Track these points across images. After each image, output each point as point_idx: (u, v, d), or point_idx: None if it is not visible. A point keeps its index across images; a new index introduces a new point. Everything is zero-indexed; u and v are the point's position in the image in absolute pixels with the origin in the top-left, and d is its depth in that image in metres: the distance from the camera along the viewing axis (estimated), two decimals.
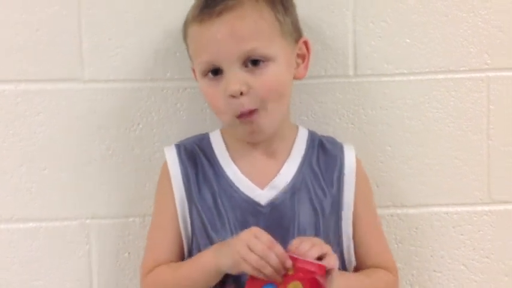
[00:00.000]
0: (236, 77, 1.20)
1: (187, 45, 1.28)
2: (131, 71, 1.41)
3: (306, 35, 1.36)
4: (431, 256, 1.45)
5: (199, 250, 1.25)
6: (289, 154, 1.29)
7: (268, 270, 1.12)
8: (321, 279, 1.13)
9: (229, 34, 1.19)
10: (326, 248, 1.15)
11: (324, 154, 1.30)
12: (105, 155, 1.42)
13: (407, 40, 1.42)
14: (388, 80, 1.43)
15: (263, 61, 1.21)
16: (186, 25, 1.27)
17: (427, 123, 1.43)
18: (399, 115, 1.43)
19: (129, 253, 1.43)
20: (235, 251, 1.14)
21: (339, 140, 1.35)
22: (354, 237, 1.30)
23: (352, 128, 1.43)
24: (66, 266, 1.42)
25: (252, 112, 1.21)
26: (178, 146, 1.31)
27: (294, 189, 1.26)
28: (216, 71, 1.22)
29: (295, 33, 1.27)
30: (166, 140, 1.41)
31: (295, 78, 1.28)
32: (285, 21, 1.24)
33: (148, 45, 1.41)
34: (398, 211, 1.45)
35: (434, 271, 1.46)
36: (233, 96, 1.20)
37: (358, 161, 1.31)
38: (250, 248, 1.13)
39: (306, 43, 1.29)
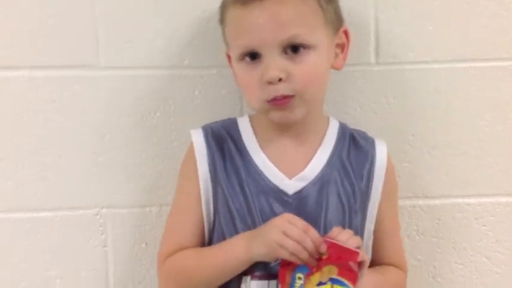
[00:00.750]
0: (276, 63, 1.18)
1: (223, 29, 1.26)
2: (148, 58, 1.39)
3: None
4: (453, 248, 1.44)
5: (223, 235, 1.23)
6: (319, 145, 1.27)
7: (304, 255, 1.13)
8: (354, 266, 1.13)
9: (271, 19, 1.17)
10: (360, 242, 1.16)
11: (355, 148, 1.29)
12: (121, 143, 1.41)
13: (430, 27, 1.40)
14: (410, 68, 1.41)
15: (304, 48, 1.19)
16: (223, 8, 1.25)
17: (450, 112, 1.41)
18: (421, 104, 1.41)
19: (146, 243, 1.41)
20: (271, 239, 1.14)
21: (359, 128, 1.33)
22: (374, 233, 1.29)
23: (374, 116, 1.42)
24: (82, 255, 1.41)
25: (286, 98, 1.19)
26: (205, 129, 1.28)
27: (322, 181, 1.24)
28: (254, 56, 1.20)
29: (336, 21, 1.25)
30: (183, 128, 1.39)
31: (333, 68, 1.26)
32: (328, 9, 1.22)
33: (166, 33, 1.39)
34: (421, 202, 1.43)
35: (456, 263, 1.44)
36: (270, 83, 1.18)
37: (389, 158, 1.30)
38: (286, 234, 1.13)
39: (346, 32, 1.26)
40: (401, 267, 1.32)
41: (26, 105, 1.39)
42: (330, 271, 1.14)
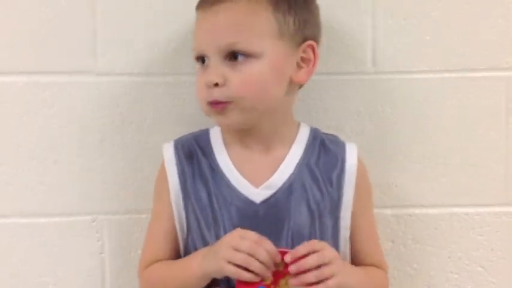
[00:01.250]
0: (214, 68, 1.20)
1: None
2: (144, 64, 1.40)
3: (324, 31, 1.32)
4: (449, 257, 1.44)
5: (195, 247, 1.24)
6: (287, 153, 1.27)
7: (256, 266, 1.12)
8: None
9: (213, 26, 1.20)
10: (327, 255, 1.14)
11: (324, 154, 1.28)
12: (118, 149, 1.41)
13: (427, 37, 1.41)
14: (407, 78, 1.41)
15: (245, 56, 1.19)
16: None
17: (446, 122, 1.42)
18: (418, 112, 1.41)
19: (141, 250, 1.40)
20: (220, 256, 1.14)
21: (355, 137, 1.34)
22: (350, 238, 1.28)
23: (370, 125, 1.42)
24: (78, 262, 1.41)
25: (223, 104, 1.20)
26: (177, 143, 1.29)
27: (290, 189, 1.24)
28: (203, 60, 1.23)
29: (299, 34, 1.23)
30: (179, 135, 1.37)
31: (292, 82, 1.24)
32: (286, 21, 1.21)
33: (162, 39, 1.39)
34: (417, 211, 1.43)
35: (451, 272, 1.44)
36: (209, 86, 1.20)
37: (359, 160, 1.29)
38: (236, 249, 1.13)
39: (312, 47, 1.24)
40: (382, 267, 1.31)
41: (24, 110, 1.39)
42: (287, 284, 1.13)
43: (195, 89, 1.36)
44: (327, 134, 1.32)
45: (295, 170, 1.25)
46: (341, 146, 1.29)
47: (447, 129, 1.42)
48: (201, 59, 1.23)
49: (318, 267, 1.13)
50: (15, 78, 1.38)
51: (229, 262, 1.13)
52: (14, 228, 1.40)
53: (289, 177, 1.24)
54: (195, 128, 1.36)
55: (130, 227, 1.41)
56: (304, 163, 1.26)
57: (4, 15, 1.37)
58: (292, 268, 1.12)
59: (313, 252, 1.13)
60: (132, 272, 1.40)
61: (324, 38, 1.37)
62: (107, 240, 1.41)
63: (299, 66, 1.24)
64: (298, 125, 1.31)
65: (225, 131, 1.29)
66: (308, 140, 1.28)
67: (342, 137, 1.32)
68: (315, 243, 1.15)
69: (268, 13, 1.20)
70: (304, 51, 1.23)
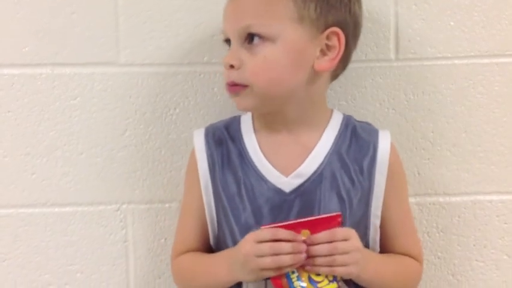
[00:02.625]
0: (234, 51, 1.21)
1: None
2: (167, 54, 1.40)
3: None
4: (474, 245, 1.43)
5: (224, 238, 1.25)
6: (318, 141, 1.26)
7: (287, 260, 1.12)
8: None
9: (234, 9, 1.22)
10: (342, 246, 1.14)
11: (356, 142, 1.26)
12: (142, 139, 1.41)
13: (451, 23, 1.39)
14: (430, 64, 1.39)
15: (261, 39, 1.19)
16: None
17: (471, 108, 1.40)
18: (442, 100, 1.40)
19: (165, 239, 1.42)
20: (250, 268, 1.14)
21: (378, 125, 1.32)
22: (381, 228, 1.27)
23: (393, 113, 1.40)
24: (102, 250, 1.43)
25: (239, 87, 1.21)
26: (207, 130, 1.30)
27: (320, 178, 1.23)
28: (229, 42, 1.24)
29: (320, 20, 1.20)
30: (203, 124, 1.38)
31: (315, 69, 1.21)
32: (306, 6, 1.19)
33: (185, 29, 1.39)
34: (441, 199, 1.42)
35: (476, 260, 1.43)
36: (226, 68, 1.22)
37: (393, 148, 1.27)
38: (260, 255, 1.13)
39: (337, 34, 1.21)
40: (416, 258, 1.29)
41: (48, 101, 1.40)
42: None
43: (219, 78, 1.38)
44: (360, 121, 1.30)
45: (325, 158, 1.24)
46: (374, 134, 1.27)
47: (472, 116, 1.40)
48: (227, 41, 1.24)
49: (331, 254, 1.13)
50: (40, 70, 1.39)
51: (263, 269, 1.13)
52: (39, 218, 1.42)
53: (320, 166, 1.24)
54: (218, 118, 1.37)
55: (153, 216, 1.42)
56: (335, 151, 1.25)
57: (28, 9, 1.38)
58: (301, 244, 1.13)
59: (332, 241, 1.13)
60: (155, 261, 1.43)
61: None
62: (130, 229, 1.42)
63: (323, 54, 1.21)
64: (331, 112, 1.29)
65: (254, 116, 1.28)
66: (340, 128, 1.27)
67: None
68: (337, 232, 1.14)
69: None
70: (328, 38, 1.21)
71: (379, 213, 1.26)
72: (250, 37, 1.19)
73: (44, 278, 1.43)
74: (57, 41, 1.39)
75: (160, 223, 1.42)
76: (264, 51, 1.19)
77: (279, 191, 1.23)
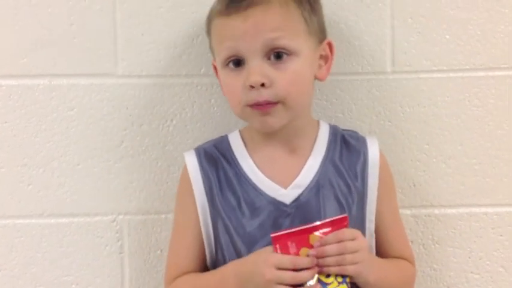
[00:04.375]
0: (258, 68, 1.19)
1: (210, 38, 1.27)
2: (165, 66, 1.40)
3: (343, 30, 1.35)
4: (469, 257, 1.43)
5: (224, 256, 1.25)
6: (311, 151, 1.27)
7: (305, 276, 1.14)
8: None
9: (254, 24, 1.19)
10: (351, 245, 1.16)
11: (346, 149, 1.28)
12: (138, 151, 1.42)
13: (447, 36, 1.40)
14: (426, 77, 1.40)
15: (287, 54, 1.19)
16: (209, 19, 1.27)
17: (466, 121, 1.41)
18: (437, 113, 1.41)
19: (161, 250, 1.42)
20: (266, 279, 1.14)
21: (377, 137, 1.33)
22: (375, 232, 1.29)
23: (389, 125, 1.41)
24: (98, 262, 1.42)
25: (271, 105, 1.19)
26: (198, 151, 1.29)
27: (318, 186, 1.24)
28: (238, 63, 1.21)
29: (320, 33, 1.26)
30: (200, 136, 1.40)
31: (316, 78, 1.26)
32: (311, 20, 1.23)
33: (182, 41, 1.40)
34: (436, 211, 1.42)
35: (472, 272, 1.43)
36: (252, 87, 1.19)
37: (381, 154, 1.29)
38: (280, 267, 1.14)
39: (330, 44, 1.27)
40: (409, 260, 1.31)
41: (45, 112, 1.40)
42: None
43: (217, 90, 1.38)
44: (346, 130, 1.32)
45: (320, 167, 1.26)
46: (362, 141, 1.30)
47: (467, 129, 1.40)
48: (234, 61, 1.22)
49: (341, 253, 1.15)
50: (37, 81, 1.40)
51: (279, 283, 1.14)
52: (35, 229, 1.41)
53: (316, 174, 1.25)
54: (216, 130, 1.37)
55: (149, 228, 1.42)
56: (329, 159, 1.26)
57: (26, 20, 1.39)
58: (312, 253, 1.14)
59: (341, 240, 1.15)
60: (151, 272, 1.42)
61: (343, 38, 1.38)
62: (126, 240, 1.42)
63: (319, 64, 1.26)
64: (318, 122, 1.31)
65: (246, 133, 1.29)
66: (329, 137, 1.29)
67: None
68: (345, 232, 1.16)
69: (298, 12, 1.21)
70: (323, 49, 1.26)
71: (373, 217, 1.27)
72: (275, 53, 1.19)
73: None
74: (54, 52, 1.39)
75: (156, 234, 1.42)
76: (293, 65, 1.20)
77: (279, 204, 1.23)
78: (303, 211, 1.23)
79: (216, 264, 1.28)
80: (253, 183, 1.25)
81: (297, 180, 1.25)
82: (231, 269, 1.21)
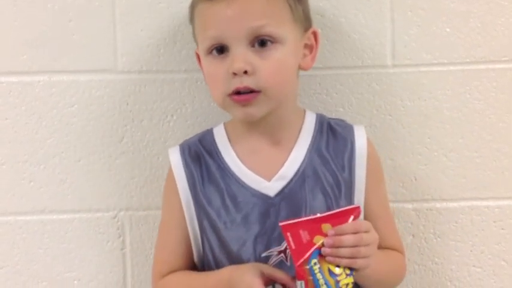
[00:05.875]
0: (242, 55, 1.17)
1: (193, 26, 1.26)
2: (164, 61, 1.40)
3: (342, 24, 1.35)
4: (471, 251, 1.42)
5: (212, 251, 1.24)
6: (295, 141, 1.25)
7: None
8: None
9: (239, 10, 1.17)
10: (366, 238, 1.13)
11: (333, 138, 1.26)
12: (139, 146, 1.42)
13: (447, 29, 1.39)
14: (426, 70, 1.40)
15: (272, 42, 1.18)
16: (192, 7, 1.25)
17: (467, 114, 1.40)
18: (438, 106, 1.40)
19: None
20: None
21: (375, 131, 1.34)
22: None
23: (390, 119, 1.41)
24: (100, 258, 1.43)
25: (252, 94, 1.18)
26: (183, 147, 1.29)
27: (303, 177, 1.23)
28: (222, 50, 1.19)
29: (305, 21, 1.24)
30: (200, 131, 1.39)
31: (300, 68, 1.25)
32: (296, 8, 1.22)
33: (182, 36, 1.40)
34: (438, 205, 1.42)
35: (473, 266, 1.43)
36: (236, 74, 1.17)
37: (369, 142, 1.27)
38: None
39: (314, 33, 1.25)
40: (399, 250, 1.30)
41: (45, 109, 1.40)
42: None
43: None
44: (333, 118, 1.31)
45: (305, 157, 1.24)
46: (349, 129, 1.28)
47: (469, 122, 1.40)
48: (217, 48, 1.20)
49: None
50: (37, 78, 1.40)
51: None
52: (37, 225, 1.42)
53: (301, 165, 1.24)
54: (216, 125, 1.37)
55: (151, 223, 1.42)
56: (314, 149, 1.25)
57: (25, 16, 1.39)
58: (328, 241, 1.11)
59: (358, 232, 1.12)
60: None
61: (343, 32, 1.37)
62: (128, 236, 1.42)
63: (304, 54, 1.24)
64: (304, 112, 1.29)
65: (229, 125, 1.28)
66: (315, 126, 1.27)
67: None
68: (361, 224, 1.14)
69: (283, 0, 1.20)
70: (308, 38, 1.24)
71: (361, 206, 1.24)
72: (259, 41, 1.18)
73: (41, 285, 1.43)
74: (54, 48, 1.39)
75: (157, 230, 1.41)
76: (277, 54, 1.18)
77: (263, 197, 1.22)
78: (288, 203, 1.21)
79: (203, 260, 1.27)
80: (236, 176, 1.24)
81: (281, 171, 1.23)
82: (224, 273, 1.20)
